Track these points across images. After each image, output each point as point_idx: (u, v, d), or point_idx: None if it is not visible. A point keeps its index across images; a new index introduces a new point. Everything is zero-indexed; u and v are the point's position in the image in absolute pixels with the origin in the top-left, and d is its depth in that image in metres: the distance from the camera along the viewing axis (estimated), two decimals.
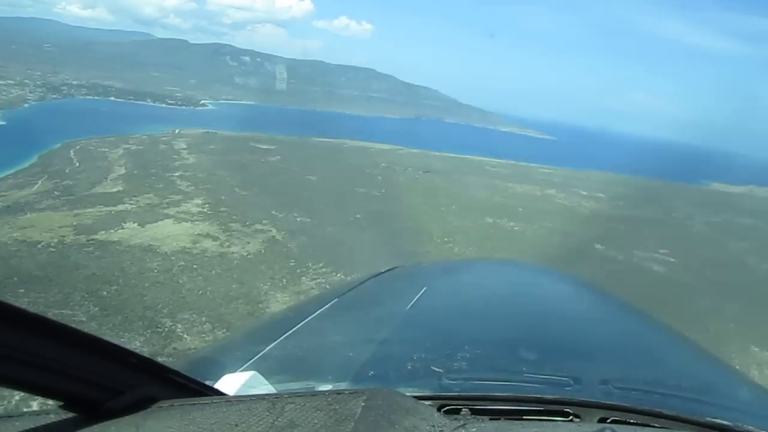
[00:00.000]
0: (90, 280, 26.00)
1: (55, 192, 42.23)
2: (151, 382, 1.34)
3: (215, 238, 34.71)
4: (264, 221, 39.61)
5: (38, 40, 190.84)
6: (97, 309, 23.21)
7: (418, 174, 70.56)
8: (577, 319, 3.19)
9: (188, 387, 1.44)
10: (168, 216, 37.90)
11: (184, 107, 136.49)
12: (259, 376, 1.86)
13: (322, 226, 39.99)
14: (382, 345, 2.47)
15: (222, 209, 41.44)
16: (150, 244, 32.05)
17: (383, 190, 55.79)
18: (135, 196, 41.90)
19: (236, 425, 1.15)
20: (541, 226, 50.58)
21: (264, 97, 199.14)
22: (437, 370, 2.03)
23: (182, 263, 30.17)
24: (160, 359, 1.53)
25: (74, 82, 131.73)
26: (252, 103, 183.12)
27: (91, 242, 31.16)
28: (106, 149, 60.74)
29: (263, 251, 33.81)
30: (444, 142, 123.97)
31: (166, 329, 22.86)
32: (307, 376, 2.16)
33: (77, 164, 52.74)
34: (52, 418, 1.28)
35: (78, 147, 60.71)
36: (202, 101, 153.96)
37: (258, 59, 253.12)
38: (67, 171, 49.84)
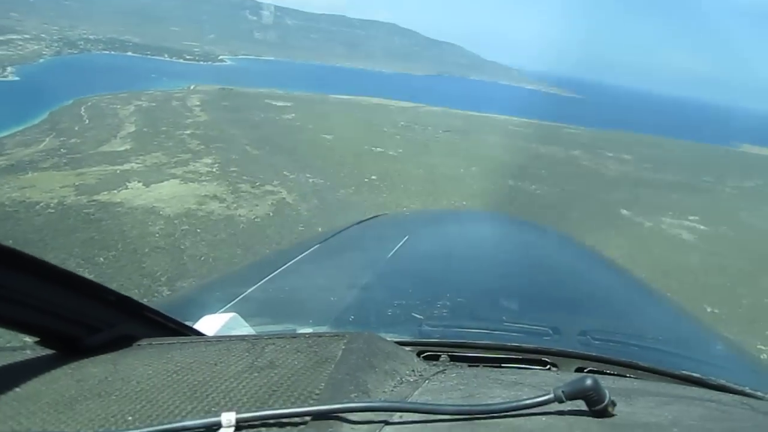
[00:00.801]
0: (87, 245, 24.70)
1: (62, 150, 40.97)
2: (129, 320, 1.35)
3: (222, 200, 33.21)
4: (275, 182, 38.00)
5: None
6: (92, 277, 21.77)
7: (439, 133, 68.10)
8: (558, 272, 3.16)
9: (167, 326, 1.44)
10: (175, 176, 36.43)
11: (201, 62, 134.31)
12: (239, 317, 1.84)
13: (335, 188, 38.26)
14: (364, 291, 2.46)
15: (232, 169, 39.86)
16: (153, 206, 30.65)
17: (401, 150, 53.69)
18: (142, 154, 40.44)
19: (215, 364, 1.16)
20: (564, 190, 48.48)
21: (284, 53, 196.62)
22: (418, 316, 2.04)
23: (186, 227, 28.76)
24: (139, 299, 1.35)
25: (91, 37, 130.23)
26: (271, 58, 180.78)
27: (92, 203, 29.83)
28: (118, 106, 59.22)
29: (272, 214, 32.24)
30: (467, 100, 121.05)
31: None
32: (287, 319, 2.17)
33: (87, 121, 51.43)
34: (29, 353, 1.30)
35: (89, 103, 59.32)
36: (221, 56, 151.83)
37: (278, 14, 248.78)
38: (76, 128, 48.55)
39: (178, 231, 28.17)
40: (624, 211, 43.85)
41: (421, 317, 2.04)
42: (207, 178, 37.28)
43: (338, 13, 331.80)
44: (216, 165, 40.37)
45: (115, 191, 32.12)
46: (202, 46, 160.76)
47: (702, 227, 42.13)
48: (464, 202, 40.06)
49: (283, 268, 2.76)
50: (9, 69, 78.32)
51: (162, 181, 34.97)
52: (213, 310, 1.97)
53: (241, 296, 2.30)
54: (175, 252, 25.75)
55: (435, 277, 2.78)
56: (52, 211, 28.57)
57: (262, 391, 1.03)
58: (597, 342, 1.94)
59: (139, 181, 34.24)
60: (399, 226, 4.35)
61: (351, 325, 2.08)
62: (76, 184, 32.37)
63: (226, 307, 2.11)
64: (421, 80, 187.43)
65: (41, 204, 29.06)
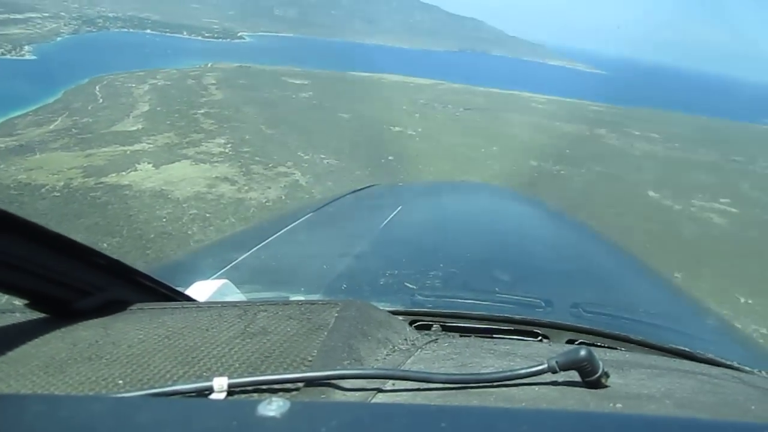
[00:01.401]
0: (92, 231, 23.85)
1: (73, 130, 40.31)
2: (120, 284, 1.33)
3: (233, 182, 32.23)
4: (288, 163, 36.93)
5: None
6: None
7: (459, 111, 66.29)
8: (551, 245, 3.15)
9: (158, 291, 1.43)
10: (186, 157, 35.56)
11: (220, 40, 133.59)
12: (231, 284, 1.84)
13: (350, 170, 37.00)
14: (356, 259, 2.47)
15: (245, 149, 38.88)
16: (162, 189, 29.79)
17: (419, 129, 52.19)
18: (154, 135, 39.61)
19: (207, 330, 1.16)
20: (590, 170, 46.73)
21: (304, 30, 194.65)
22: (410, 286, 2.06)
23: (194, 211, 27.85)
24: (131, 263, 1.33)
25: (110, 15, 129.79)
26: (291, 35, 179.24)
27: (99, 186, 29.06)
28: (133, 85, 58.47)
29: (284, 198, 31.18)
30: (489, 76, 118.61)
31: None
32: (279, 287, 2.16)
33: (101, 100, 50.76)
34: (18, 316, 1.29)
35: (105, 82, 58.67)
36: (240, 34, 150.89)
37: None
38: (89, 108, 47.88)
39: (186, 215, 27.26)
40: (652, 193, 42.09)
41: (414, 287, 2.04)
42: (219, 159, 36.32)
43: None
44: (229, 145, 39.40)
45: (124, 173, 31.32)
46: (222, 23, 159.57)
47: (733, 210, 40.21)
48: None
49: (275, 235, 2.74)
50: (26, 48, 77.99)
51: (173, 163, 34.10)
52: (205, 276, 1.96)
53: (234, 263, 2.29)
54: (181, 238, 24.81)
55: (428, 247, 2.76)
56: (58, 194, 27.83)
57: (254, 357, 1.04)
58: (589, 314, 1.94)
59: (149, 162, 33.41)
60: (393, 197, 4.35)
61: (343, 293, 2.07)
62: (85, 165, 31.63)
63: (218, 273, 2.10)
64: (442, 56, 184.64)
65: (47, 187, 28.34)
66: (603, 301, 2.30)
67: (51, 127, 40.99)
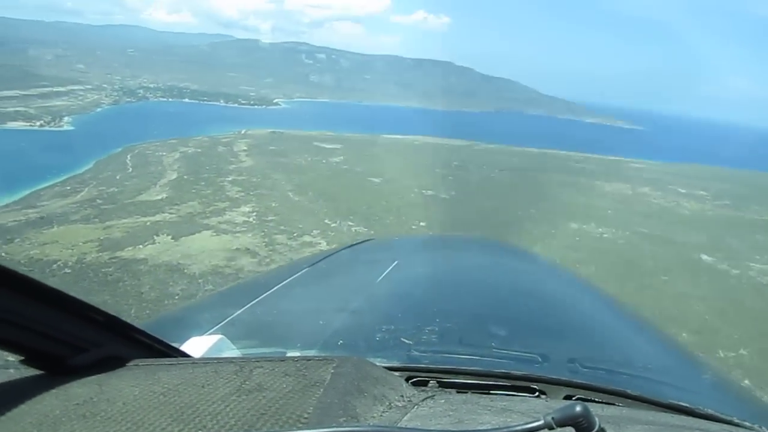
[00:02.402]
0: None
1: (98, 200, 39.61)
2: (116, 340, 1.32)
3: (254, 254, 30.54)
4: (314, 232, 35.22)
5: (123, 46, 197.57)
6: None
7: (494, 173, 64.36)
8: (547, 299, 3.15)
9: (154, 347, 1.42)
10: (208, 227, 34.17)
11: (256, 106, 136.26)
12: (227, 340, 1.84)
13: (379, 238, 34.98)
14: (352, 315, 2.48)
15: (270, 218, 37.40)
16: (178, 263, 28.20)
17: (453, 193, 50.26)
18: (177, 204, 38.55)
19: (203, 387, 1.15)
20: (635, 233, 43.87)
21: (339, 94, 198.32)
22: (406, 341, 2.05)
23: (210, 287, 26.05)
24: (127, 319, 1.33)
25: (151, 85, 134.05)
26: (326, 100, 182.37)
27: (113, 261, 27.65)
28: (164, 153, 58.55)
29: None
30: (525, 136, 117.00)
31: None
32: (275, 343, 2.18)
33: (130, 169, 50.56)
34: (12, 373, 1.27)
35: (136, 151, 59.03)
36: (276, 100, 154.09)
37: (333, 56, 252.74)
38: (117, 177, 47.57)
39: (200, 292, 25.42)
40: (705, 257, 38.90)
41: (410, 342, 2.03)
42: (242, 228, 34.80)
43: (392, 53, 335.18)
44: (254, 214, 38.00)
45: (141, 246, 29.93)
46: (258, 90, 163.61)
47: None
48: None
49: (271, 290, 2.72)
50: (65, 119, 80.00)
51: (193, 234, 32.68)
52: (200, 332, 1.98)
53: (229, 318, 2.27)
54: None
55: (424, 302, 2.74)
56: (69, 271, 26.43)
57: (250, 414, 1.03)
58: (586, 369, 1.92)
59: (168, 234, 32.02)
60: (388, 251, 4.30)
61: (340, 349, 2.07)
62: (101, 238, 30.41)
63: (214, 328, 2.09)
64: (477, 117, 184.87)
65: (59, 262, 27.02)
66: (600, 355, 2.28)
67: (77, 197, 40.42)
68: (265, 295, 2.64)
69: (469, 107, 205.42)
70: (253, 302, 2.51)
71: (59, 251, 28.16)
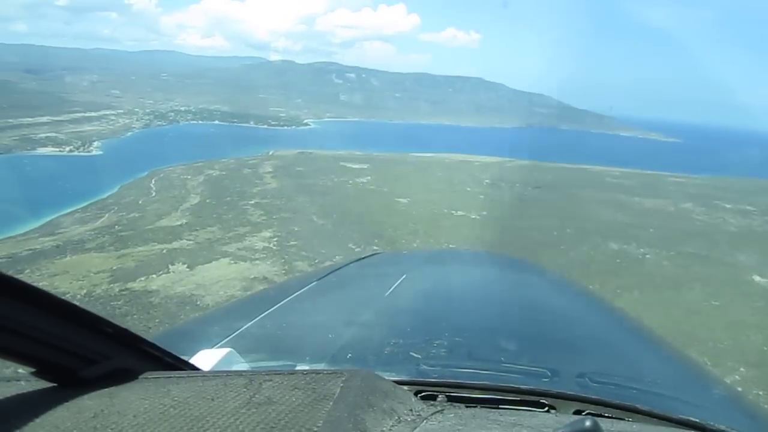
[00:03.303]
0: None
1: (116, 227, 38.71)
2: (126, 353, 1.34)
3: (272, 284, 28.81)
4: (336, 257, 33.36)
5: (157, 71, 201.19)
6: None
7: (527, 191, 61.74)
8: (557, 313, 3.17)
9: (163, 360, 1.44)
10: (226, 254, 32.75)
11: (286, 127, 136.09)
12: (236, 353, 1.86)
13: None
14: (361, 328, 2.48)
15: (291, 243, 35.82)
16: (192, 294, 26.75)
17: (484, 213, 47.96)
18: (197, 230, 37.34)
19: (212, 400, 1.16)
20: (680, 253, 41.00)
21: (369, 113, 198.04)
22: (415, 355, 2.05)
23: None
24: (137, 332, 1.36)
25: (182, 108, 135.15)
26: (356, 119, 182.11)
27: (123, 293, 26.34)
28: (189, 176, 57.84)
29: None
30: (558, 151, 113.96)
31: None
32: (284, 356, 2.17)
33: (153, 194, 49.89)
34: (23, 385, 1.28)
35: (161, 175, 58.55)
36: (306, 120, 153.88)
37: (363, 75, 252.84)
38: (140, 202, 46.85)
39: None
40: (758, 278, 35.91)
41: (419, 356, 2.03)
42: (261, 255, 33.27)
43: (423, 71, 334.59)
44: (275, 239, 36.48)
45: (154, 276, 28.60)
46: (288, 111, 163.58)
47: None
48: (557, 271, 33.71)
49: (280, 304, 2.73)
50: (95, 143, 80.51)
51: (210, 262, 31.27)
52: (209, 345, 1.97)
53: (238, 331, 2.28)
54: None
55: (433, 316, 2.77)
56: (77, 304, 25.11)
57: (260, 427, 1.04)
58: (595, 384, 1.93)
59: (183, 263, 30.67)
60: (397, 265, 4.33)
61: (348, 362, 2.07)
62: (114, 268, 29.21)
63: (223, 341, 2.11)
64: (509, 133, 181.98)
65: (67, 295, 25.61)
66: (609, 370, 2.26)
67: (96, 224, 39.66)
68: (274, 308, 2.64)
69: (500, 123, 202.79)
70: (263, 315, 2.50)
71: (69, 283, 27.03)
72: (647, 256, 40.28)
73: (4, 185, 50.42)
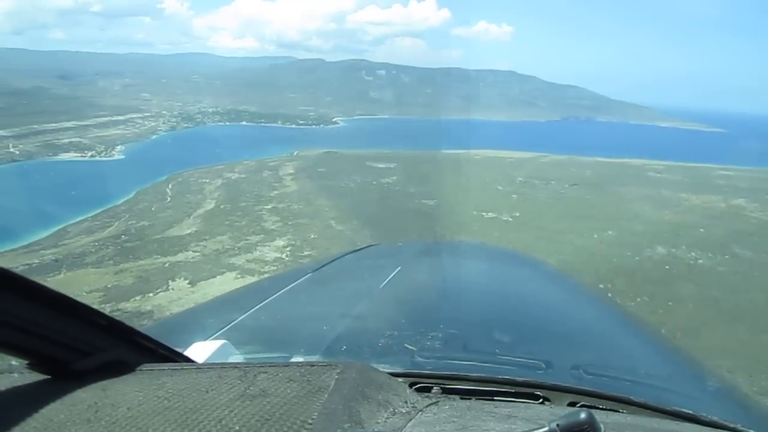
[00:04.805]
0: None
1: (122, 237, 36.70)
2: (120, 345, 1.32)
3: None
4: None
5: (188, 73, 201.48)
6: None
7: (564, 188, 57.95)
8: (552, 306, 3.14)
9: (158, 352, 1.42)
10: (233, 267, 30.27)
11: (314, 126, 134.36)
12: (230, 345, 1.86)
13: None
14: (356, 320, 2.50)
15: (305, 253, 33.17)
16: None
17: (517, 214, 44.57)
18: (206, 239, 35.03)
19: (207, 392, 1.16)
20: (735, 256, 37.10)
21: (399, 110, 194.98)
22: (410, 347, 2.06)
23: None
24: (130, 323, 1.38)
25: (210, 110, 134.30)
26: (386, 116, 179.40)
27: (114, 315, 23.65)
28: (207, 180, 55.87)
29: None
30: (595, 144, 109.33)
31: None
32: (279, 348, 2.18)
33: (168, 200, 47.89)
34: (17, 377, 1.26)
35: (180, 179, 56.72)
36: (335, 119, 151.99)
37: (393, 72, 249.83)
38: (153, 208, 44.92)
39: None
40: None
41: (414, 348, 2.03)
42: (272, 268, 30.62)
43: (454, 66, 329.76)
44: (288, 249, 33.87)
45: (151, 294, 26.17)
46: (317, 109, 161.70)
47: None
48: (600, 285, 30.11)
49: (275, 295, 2.73)
50: (118, 148, 79.36)
51: (214, 276, 28.75)
52: (204, 337, 1.98)
53: (233, 323, 2.27)
54: None
55: (427, 308, 2.78)
56: None
57: (255, 419, 1.03)
58: (590, 376, 1.92)
59: (185, 278, 28.24)
60: (392, 257, 4.22)
61: (343, 354, 2.06)
62: (109, 286, 26.93)
63: (217, 333, 2.10)
64: (543, 126, 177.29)
65: None
66: (604, 362, 2.24)
67: (103, 233, 37.69)
68: (268, 300, 2.62)
69: (533, 117, 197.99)
70: (257, 307, 2.51)
71: None
72: (699, 261, 36.62)
73: (17, 193, 48.97)
